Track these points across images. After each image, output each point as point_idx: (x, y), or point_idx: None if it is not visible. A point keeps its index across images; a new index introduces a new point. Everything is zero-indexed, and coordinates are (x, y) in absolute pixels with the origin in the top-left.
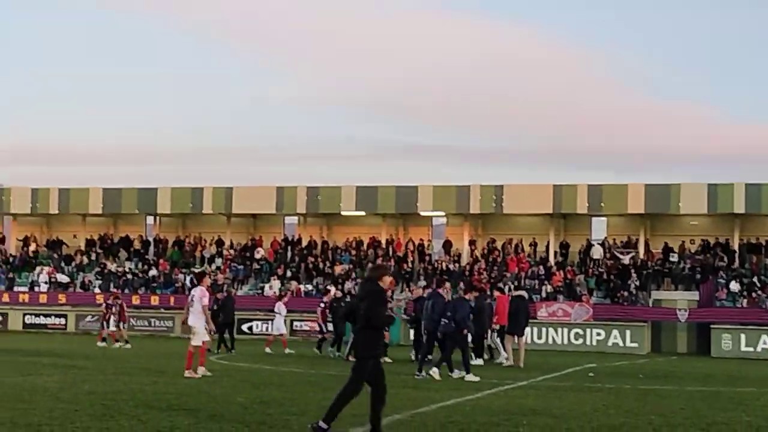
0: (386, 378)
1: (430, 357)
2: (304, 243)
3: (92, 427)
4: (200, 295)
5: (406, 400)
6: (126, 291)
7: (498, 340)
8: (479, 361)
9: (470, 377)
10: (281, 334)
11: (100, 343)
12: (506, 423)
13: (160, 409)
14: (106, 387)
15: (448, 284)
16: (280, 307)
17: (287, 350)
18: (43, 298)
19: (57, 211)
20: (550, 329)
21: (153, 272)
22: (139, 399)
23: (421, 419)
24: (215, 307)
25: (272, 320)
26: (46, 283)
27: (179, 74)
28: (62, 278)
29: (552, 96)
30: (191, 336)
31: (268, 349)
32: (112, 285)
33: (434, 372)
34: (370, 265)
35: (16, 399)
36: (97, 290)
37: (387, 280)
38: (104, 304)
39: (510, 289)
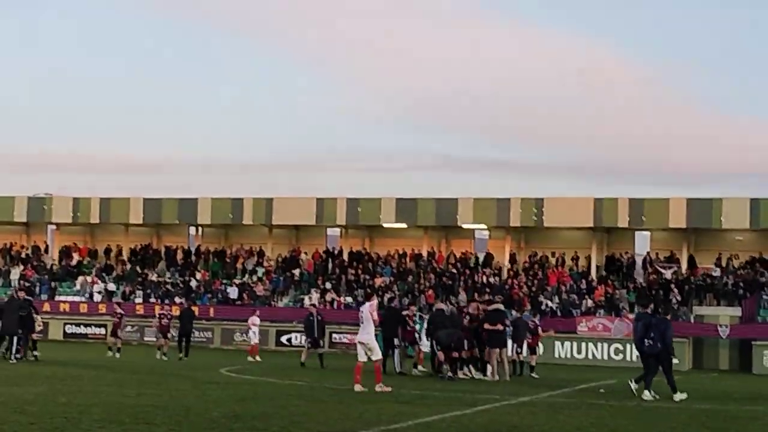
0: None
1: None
2: (345, 255)
3: None
4: (369, 311)
5: (388, 414)
6: (166, 301)
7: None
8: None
9: (679, 396)
10: (255, 344)
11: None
12: None
13: (119, 423)
14: (83, 399)
15: (652, 305)
16: (255, 320)
17: (257, 358)
18: (84, 308)
19: (98, 221)
20: (590, 344)
21: (194, 282)
22: (107, 412)
23: None
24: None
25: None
26: (100, 292)
27: (219, 83)
28: (111, 287)
29: (592, 108)
30: (369, 352)
31: (253, 358)
32: (152, 295)
33: (646, 395)
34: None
35: None
36: (138, 300)
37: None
38: (158, 315)
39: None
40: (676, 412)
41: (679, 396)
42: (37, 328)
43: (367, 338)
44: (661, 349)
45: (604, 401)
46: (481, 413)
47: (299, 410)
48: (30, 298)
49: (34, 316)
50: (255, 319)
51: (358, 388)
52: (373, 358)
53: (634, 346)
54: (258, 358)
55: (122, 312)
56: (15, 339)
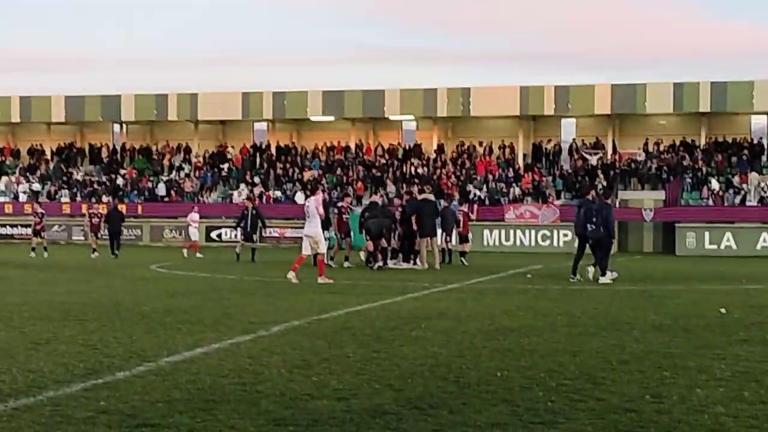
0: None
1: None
2: (273, 149)
3: None
4: (315, 206)
5: (319, 305)
6: (92, 200)
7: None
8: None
9: (608, 277)
10: (195, 241)
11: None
12: (404, 327)
13: (51, 320)
14: (12, 299)
15: (593, 191)
16: (194, 216)
17: (198, 255)
18: (8, 209)
19: (19, 120)
20: (518, 231)
21: (120, 180)
22: (38, 310)
23: (318, 325)
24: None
25: (187, 229)
26: (25, 192)
27: None
28: (36, 186)
29: None
30: (315, 245)
31: (190, 255)
32: (78, 194)
33: (590, 270)
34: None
35: None
36: (63, 199)
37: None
38: (88, 214)
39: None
40: (598, 292)
41: (608, 277)
42: None
43: (313, 231)
44: (603, 234)
45: (531, 286)
46: (410, 300)
47: (230, 303)
48: None
49: None
50: (194, 216)
51: (291, 275)
52: (319, 250)
53: (575, 232)
54: (199, 254)
55: (43, 212)
56: None
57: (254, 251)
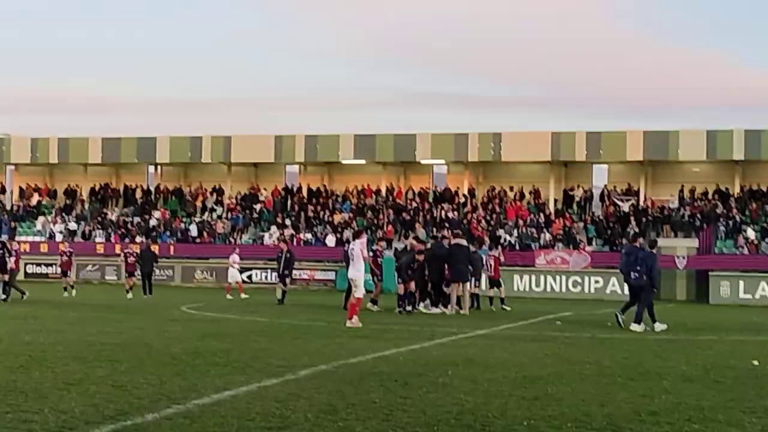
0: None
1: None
2: (305, 191)
3: (1, 379)
4: (360, 249)
5: (347, 349)
6: (126, 240)
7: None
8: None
9: (659, 326)
10: (237, 282)
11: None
12: (431, 373)
13: (83, 360)
14: (46, 338)
15: (641, 239)
16: (235, 257)
17: (243, 295)
18: (44, 248)
19: (57, 161)
20: (549, 277)
21: (153, 221)
22: (71, 350)
23: (345, 370)
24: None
25: (227, 269)
26: (61, 232)
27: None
28: (72, 226)
29: (551, 42)
30: (354, 289)
31: (234, 296)
32: (112, 235)
33: (636, 327)
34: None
35: None
36: (98, 240)
37: None
38: (123, 254)
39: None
40: (628, 341)
41: (630, 327)
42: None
43: (355, 275)
44: (645, 282)
45: (560, 333)
46: (438, 346)
47: (259, 346)
48: (2, 239)
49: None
50: (235, 257)
51: (353, 321)
52: (356, 294)
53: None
54: (244, 295)
55: (71, 250)
56: None
57: (284, 293)
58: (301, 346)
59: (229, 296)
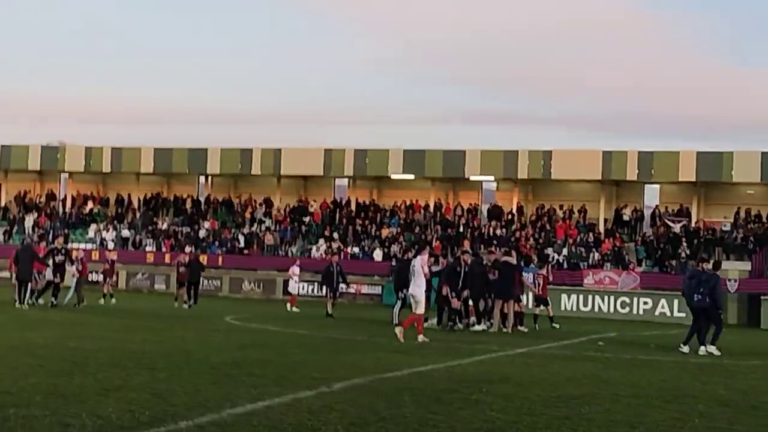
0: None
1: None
2: (353, 205)
3: (42, 383)
4: (421, 265)
5: (384, 363)
6: (175, 250)
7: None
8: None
9: (711, 348)
10: (294, 294)
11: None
12: (464, 390)
13: (123, 368)
14: (90, 344)
15: (705, 263)
16: (295, 269)
17: (295, 309)
18: (96, 255)
19: (110, 170)
20: (597, 297)
21: (202, 232)
22: (112, 357)
23: (380, 384)
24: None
25: (288, 281)
26: (113, 240)
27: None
28: (125, 233)
29: (602, 60)
30: (415, 305)
31: (294, 309)
32: (162, 244)
33: (713, 349)
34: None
35: None
36: (148, 248)
37: None
38: (177, 264)
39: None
40: (669, 365)
41: (706, 349)
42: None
43: (416, 291)
44: (709, 304)
45: (600, 353)
46: (476, 363)
47: (297, 358)
48: (66, 246)
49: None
50: (295, 269)
51: (420, 338)
52: (417, 311)
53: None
54: (296, 308)
55: (114, 258)
56: (27, 285)
57: (334, 307)
58: (339, 360)
59: (295, 308)
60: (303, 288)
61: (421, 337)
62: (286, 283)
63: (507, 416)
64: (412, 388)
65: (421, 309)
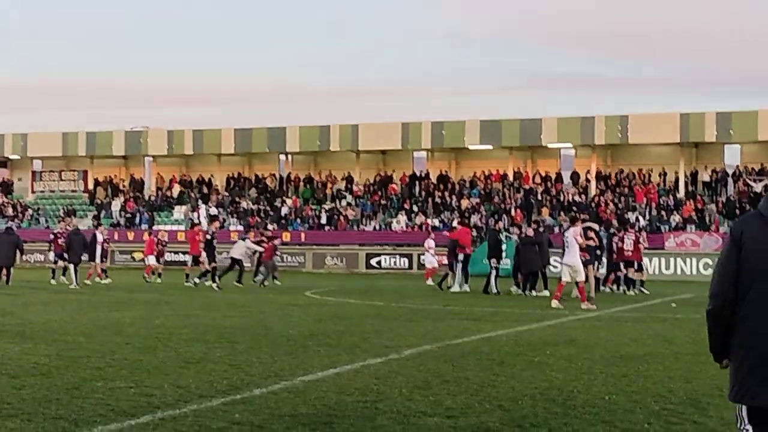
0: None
1: None
2: (432, 177)
3: (128, 359)
4: (574, 236)
5: (455, 330)
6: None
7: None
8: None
9: None
10: (433, 267)
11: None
12: (529, 353)
13: (204, 342)
14: (175, 321)
15: None
16: (430, 242)
17: (429, 281)
18: (181, 236)
19: (192, 152)
20: (678, 259)
21: (285, 209)
22: (195, 332)
23: (447, 350)
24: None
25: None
26: (205, 218)
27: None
28: (213, 211)
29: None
30: (574, 274)
31: (429, 282)
32: (243, 223)
33: None
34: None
35: (79, 333)
36: (232, 228)
37: None
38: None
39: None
40: None
41: None
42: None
43: (573, 261)
44: None
45: (671, 315)
46: (544, 328)
47: (371, 328)
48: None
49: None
50: (430, 242)
51: (554, 304)
52: (578, 279)
53: None
54: (430, 281)
55: (166, 240)
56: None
57: (446, 276)
58: (411, 328)
59: (429, 281)
60: (385, 261)
61: (585, 305)
62: (369, 257)
63: (566, 375)
64: (478, 352)
65: (581, 276)
